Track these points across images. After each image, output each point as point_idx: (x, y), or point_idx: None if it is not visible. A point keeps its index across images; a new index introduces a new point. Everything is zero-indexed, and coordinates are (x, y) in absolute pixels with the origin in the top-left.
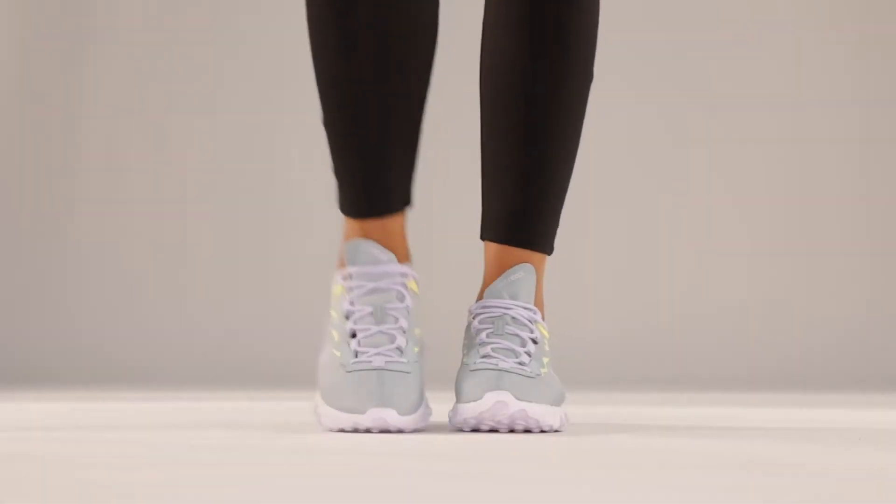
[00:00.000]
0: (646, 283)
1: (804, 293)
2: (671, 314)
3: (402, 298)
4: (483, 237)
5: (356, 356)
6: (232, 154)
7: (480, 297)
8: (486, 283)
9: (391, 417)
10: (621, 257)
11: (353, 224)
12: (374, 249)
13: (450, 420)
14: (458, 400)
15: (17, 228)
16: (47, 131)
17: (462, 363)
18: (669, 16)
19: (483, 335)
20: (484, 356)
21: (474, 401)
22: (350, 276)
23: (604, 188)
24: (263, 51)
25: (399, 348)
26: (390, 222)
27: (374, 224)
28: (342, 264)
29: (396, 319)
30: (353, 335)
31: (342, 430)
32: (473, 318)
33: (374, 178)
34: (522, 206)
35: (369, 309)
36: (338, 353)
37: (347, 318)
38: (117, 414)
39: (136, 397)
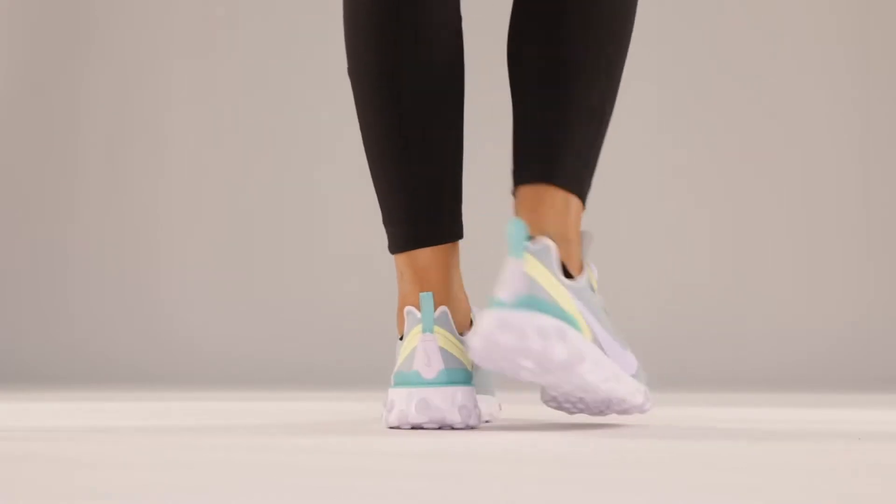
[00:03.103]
0: (645, 283)
1: (805, 293)
2: (671, 314)
3: None
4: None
5: None
6: (232, 154)
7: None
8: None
9: None
10: (621, 257)
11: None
12: None
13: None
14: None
15: (17, 229)
16: (47, 131)
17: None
18: (669, 15)
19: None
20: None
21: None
22: None
23: (604, 188)
24: (265, 50)
25: None
26: None
27: None
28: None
29: None
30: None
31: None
32: None
33: None
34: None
35: None
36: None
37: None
38: (117, 414)
39: (136, 397)
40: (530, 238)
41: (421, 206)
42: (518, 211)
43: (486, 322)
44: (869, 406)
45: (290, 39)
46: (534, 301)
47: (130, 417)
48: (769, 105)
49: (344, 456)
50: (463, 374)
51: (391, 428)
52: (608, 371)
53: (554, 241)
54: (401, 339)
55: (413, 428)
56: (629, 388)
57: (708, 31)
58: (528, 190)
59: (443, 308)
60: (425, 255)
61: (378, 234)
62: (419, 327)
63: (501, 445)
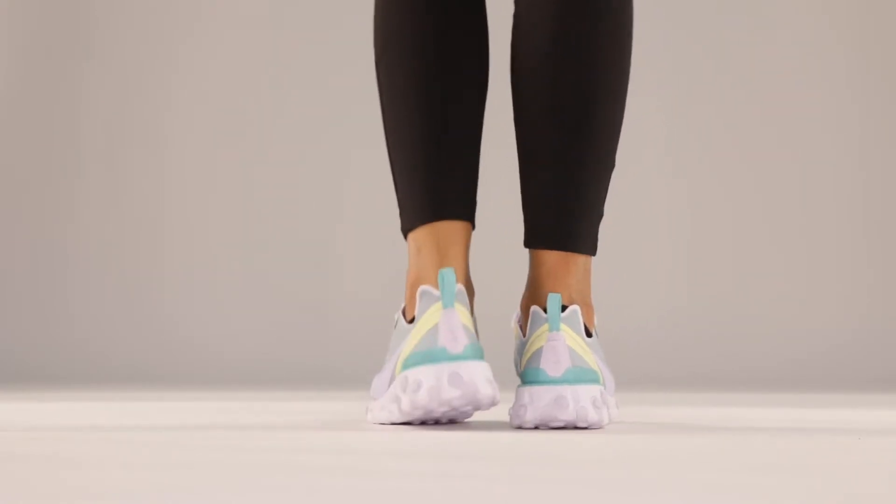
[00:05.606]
0: (646, 282)
1: (805, 293)
2: (671, 314)
3: None
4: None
5: None
6: (233, 154)
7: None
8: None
9: None
10: (621, 257)
11: None
12: None
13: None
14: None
15: (17, 228)
16: (47, 131)
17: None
18: (667, 15)
19: None
20: None
21: None
22: None
23: None
24: (266, 50)
25: None
26: None
27: None
28: None
29: None
30: None
31: None
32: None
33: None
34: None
35: None
36: None
37: None
38: (117, 414)
39: (136, 397)
40: (563, 308)
41: (448, 178)
42: (539, 274)
43: (544, 399)
44: (869, 406)
45: (292, 40)
46: (580, 373)
47: (130, 417)
48: (770, 105)
49: (344, 456)
50: (482, 351)
51: (417, 409)
52: (605, 410)
53: (577, 303)
54: (410, 321)
55: (422, 422)
56: (610, 413)
57: (706, 31)
58: (549, 257)
59: (460, 287)
60: (449, 227)
61: (378, 234)
62: (438, 304)
63: (501, 445)
